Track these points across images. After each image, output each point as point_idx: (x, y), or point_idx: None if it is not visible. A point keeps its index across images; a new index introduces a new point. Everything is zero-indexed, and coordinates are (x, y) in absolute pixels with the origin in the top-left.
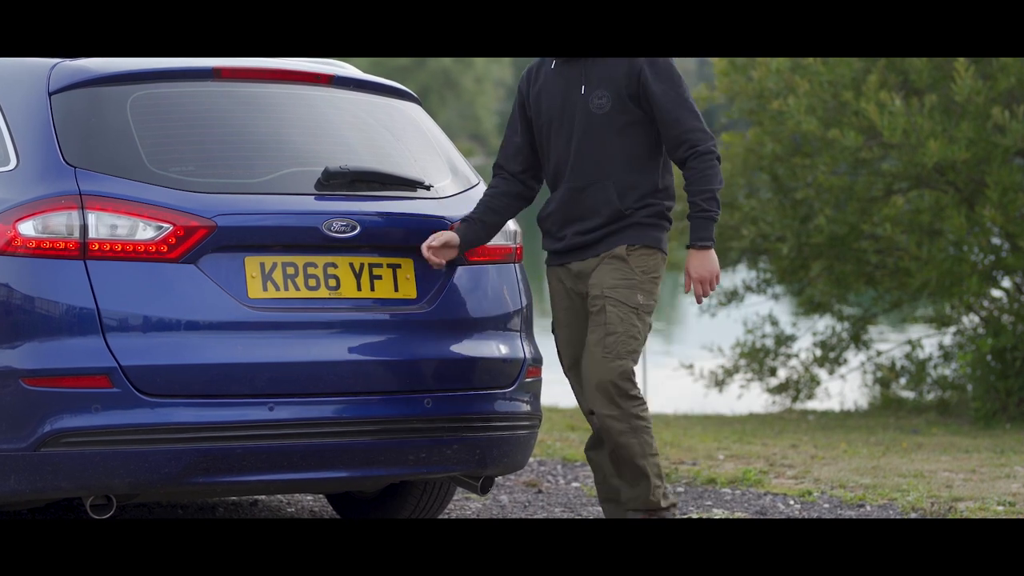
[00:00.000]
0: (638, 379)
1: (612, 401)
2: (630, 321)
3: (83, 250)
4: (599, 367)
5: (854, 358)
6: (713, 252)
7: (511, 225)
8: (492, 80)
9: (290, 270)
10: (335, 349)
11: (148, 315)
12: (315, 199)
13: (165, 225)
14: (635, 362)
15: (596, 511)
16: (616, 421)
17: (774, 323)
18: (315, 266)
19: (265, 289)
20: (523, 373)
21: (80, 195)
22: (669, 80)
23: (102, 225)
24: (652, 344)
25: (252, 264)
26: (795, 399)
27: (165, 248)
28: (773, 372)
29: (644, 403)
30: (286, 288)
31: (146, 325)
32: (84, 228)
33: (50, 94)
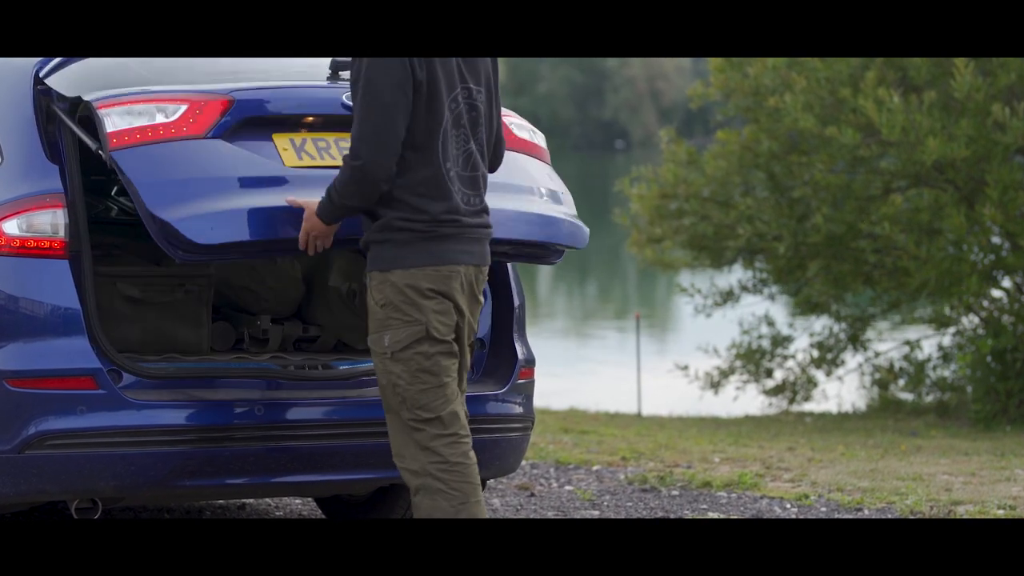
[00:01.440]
0: (631, 381)
1: (403, 455)
2: (387, 369)
3: (68, 248)
4: (388, 421)
5: (852, 359)
6: (318, 220)
7: None
8: None
9: (322, 144)
10: None
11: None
12: (328, 86)
13: (181, 105)
14: (417, 404)
15: (590, 515)
16: (411, 476)
17: (770, 324)
18: (347, 141)
19: (300, 158)
20: (516, 374)
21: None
22: (358, 83)
23: (119, 118)
24: (646, 345)
25: (281, 139)
26: (792, 401)
27: (189, 124)
28: (769, 373)
29: (443, 461)
30: (322, 158)
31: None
32: (69, 225)
33: (36, 91)
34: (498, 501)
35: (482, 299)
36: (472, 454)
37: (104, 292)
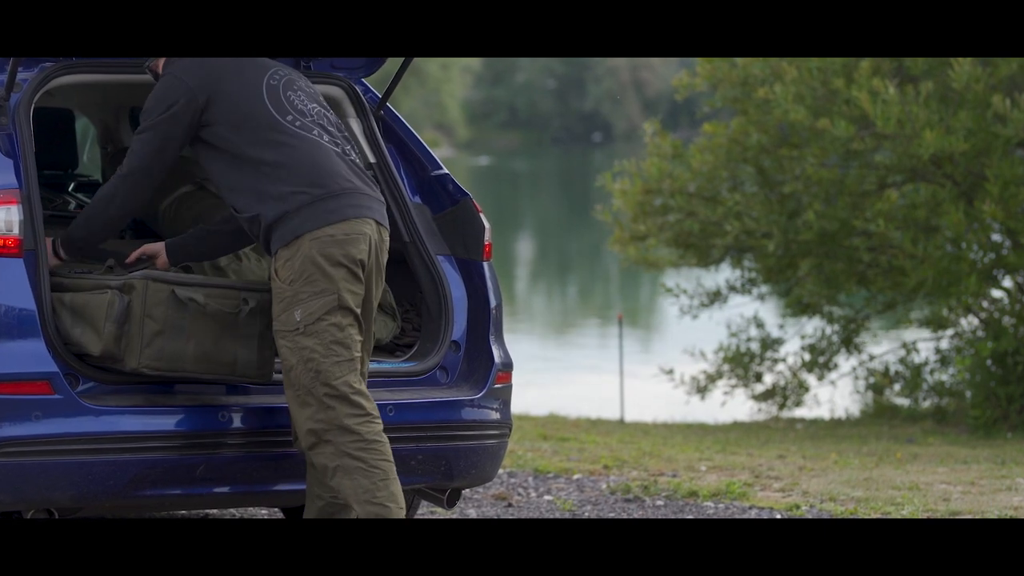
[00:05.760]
0: (613, 385)
1: (320, 439)
2: (298, 345)
3: (22, 246)
4: (296, 408)
5: (845, 363)
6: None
7: (483, 221)
8: (459, 66)
9: None
10: None
11: None
12: None
13: None
14: (332, 377)
15: None
16: (326, 459)
17: (760, 325)
18: None
19: None
20: (492, 378)
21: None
22: None
23: None
24: (630, 348)
25: None
26: (782, 407)
27: None
28: (759, 378)
29: (361, 439)
30: None
31: None
32: (23, 222)
33: None
34: (474, 511)
35: (383, 277)
36: (384, 434)
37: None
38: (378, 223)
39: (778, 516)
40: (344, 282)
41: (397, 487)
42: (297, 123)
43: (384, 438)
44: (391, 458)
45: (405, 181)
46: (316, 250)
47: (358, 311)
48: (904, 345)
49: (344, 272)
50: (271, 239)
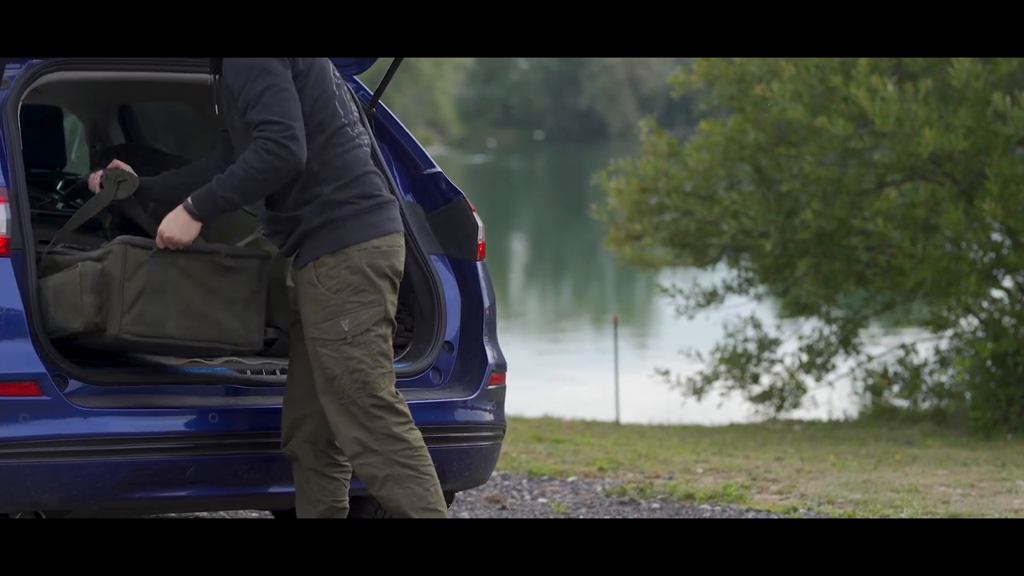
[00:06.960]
0: (609, 387)
1: (366, 447)
2: (345, 356)
3: (10, 245)
4: (338, 416)
5: (843, 364)
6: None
7: (476, 220)
8: (452, 64)
9: None
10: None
11: None
12: None
13: None
14: (379, 388)
15: None
16: (375, 469)
17: (757, 326)
18: None
19: None
20: (486, 379)
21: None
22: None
23: None
24: (625, 349)
25: None
26: (779, 408)
27: None
28: (756, 379)
29: (410, 446)
30: None
31: None
32: (11, 221)
33: None
34: (467, 514)
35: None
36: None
37: None
38: (403, 235)
39: (775, 519)
40: (388, 294)
41: (441, 490)
42: (355, 130)
43: (424, 443)
44: (432, 462)
45: (397, 179)
46: (365, 261)
47: (395, 323)
48: (903, 346)
49: (388, 284)
50: (307, 243)
